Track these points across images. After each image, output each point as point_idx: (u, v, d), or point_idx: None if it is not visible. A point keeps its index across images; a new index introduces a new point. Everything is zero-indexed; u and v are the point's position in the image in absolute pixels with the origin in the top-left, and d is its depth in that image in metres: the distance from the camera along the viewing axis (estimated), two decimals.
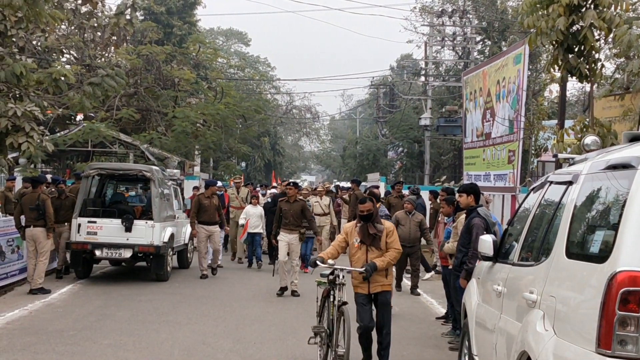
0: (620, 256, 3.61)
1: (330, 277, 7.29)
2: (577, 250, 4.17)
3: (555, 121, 15.96)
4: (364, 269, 7.19)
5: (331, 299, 7.30)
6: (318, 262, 7.23)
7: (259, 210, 15.89)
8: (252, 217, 15.68)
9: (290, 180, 17.45)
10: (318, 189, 18.47)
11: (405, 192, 16.64)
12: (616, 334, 3.54)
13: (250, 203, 16.35)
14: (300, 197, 12.81)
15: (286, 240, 12.22)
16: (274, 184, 22.57)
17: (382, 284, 7.39)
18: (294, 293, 12.23)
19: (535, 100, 24.01)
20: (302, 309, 11.00)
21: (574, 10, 10.14)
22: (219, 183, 17.52)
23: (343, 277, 7.26)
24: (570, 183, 4.62)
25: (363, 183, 24.27)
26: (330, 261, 7.21)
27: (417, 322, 10.23)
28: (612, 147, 4.90)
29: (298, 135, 62.33)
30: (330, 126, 69.02)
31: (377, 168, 36.98)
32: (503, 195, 16.67)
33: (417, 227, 12.55)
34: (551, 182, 5.20)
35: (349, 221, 17.53)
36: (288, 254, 12.25)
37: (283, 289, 12.32)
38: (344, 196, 18.89)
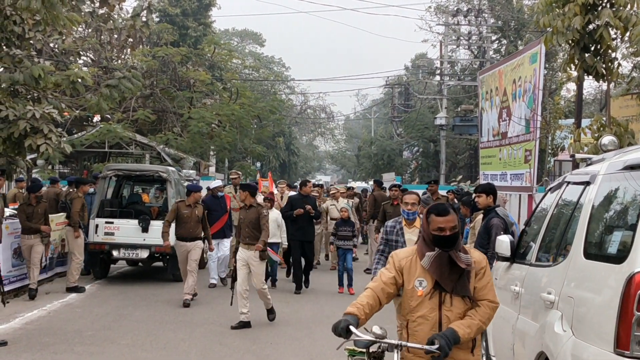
0: (638, 257, 3.59)
1: (372, 349, 4.01)
2: (595, 251, 4.16)
3: (572, 120, 15.88)
4: (436, 346, 3.77)
5: None
6: (351, 328, 3.75)
7: (274, 214, 12.39)
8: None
9: (248, 182, 14.24)
10: (331, 191, 16.89)
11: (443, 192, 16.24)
12: (634, 334, 3.53)
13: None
14: (259, 203, 10.12)
15: (244, 257, 9.57)
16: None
17: None
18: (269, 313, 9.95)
19: (551, 99, 23.87)
20: (319, 308, 11.01)
21: (590, 9, 10.08)
22: (219, 182, 14.59)
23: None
24: (587, 183, 4.60)
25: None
26: (377, 329, 3.83)
27: None
28: (629, 148, 4.88)
29: (313, 135, 62.43)
30: (345, 126, 69.08)
31: (393, 168, 36.94)
32: (520, 195, 16.59)
33: None
34: (568, 183, 5.18)
35: (366, 223, 16.66)
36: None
37: (242, 324, 9.43)
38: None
